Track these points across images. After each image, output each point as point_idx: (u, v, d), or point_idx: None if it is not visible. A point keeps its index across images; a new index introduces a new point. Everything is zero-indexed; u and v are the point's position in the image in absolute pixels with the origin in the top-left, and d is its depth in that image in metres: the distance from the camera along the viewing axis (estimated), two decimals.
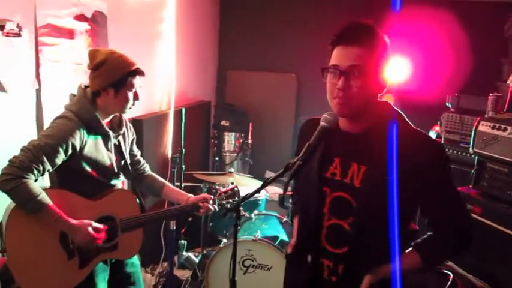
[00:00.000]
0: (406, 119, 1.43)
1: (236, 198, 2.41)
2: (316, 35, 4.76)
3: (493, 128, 2.64)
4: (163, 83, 3.94)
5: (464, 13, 4.26)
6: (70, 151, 1.86)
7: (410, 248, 1.46)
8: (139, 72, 2.01)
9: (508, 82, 2.84)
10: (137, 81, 2.01)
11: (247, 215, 3.25)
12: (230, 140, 4.81)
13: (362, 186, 1.38)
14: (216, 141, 4.87)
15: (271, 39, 5.04)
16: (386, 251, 1.38)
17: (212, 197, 2.32)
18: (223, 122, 4.83)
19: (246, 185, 3.23)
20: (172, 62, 4.05)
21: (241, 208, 2.06)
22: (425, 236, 1.48)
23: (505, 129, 2.58)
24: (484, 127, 2.70)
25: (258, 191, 1.49)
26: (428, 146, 1.37)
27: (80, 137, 1.88)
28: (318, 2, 4.81)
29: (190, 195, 2.33)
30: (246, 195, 1.53)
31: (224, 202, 2.37)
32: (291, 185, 1.67)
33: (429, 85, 4.17)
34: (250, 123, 4.82)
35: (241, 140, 4.82)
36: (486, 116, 2.81)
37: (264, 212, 3.41)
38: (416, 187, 1.35)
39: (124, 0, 3.19)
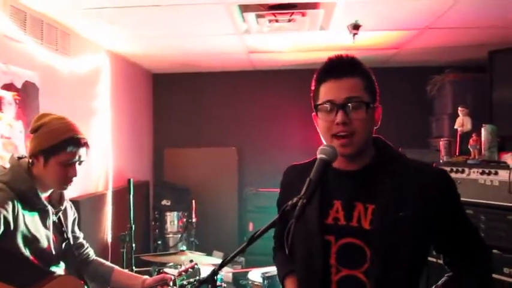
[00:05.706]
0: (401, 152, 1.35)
1: (197, 277, 2.27)
2: (253, 107, 4.85)
3: (451, 171, 2.63)
4: (99, 162, 3.63)
5: (393, 77, 4.57)
6: (2, 227, 1.51)
7: None
8: (75, 141, 1.68)
9: (455, 127, 2.93)
10: (73, 152, 1.68)
11: None
12: (173, 220, 4.48)
13: (374, 227, 1.23)
14: (157, 223, 4.50)
15: (207, 115, 5.02)
16: None
17: (172, 277, 2.03)
18: (164, 202, 4.53)
19: (202, 263, 2.91)
20: (108, 140, 3.79)
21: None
22: (446, 277, 1.33)
23: (463, 171, 2.61)
24: None
25: (243, 250, 1.23)
26: (437, 176, 1.28)
27: (12, 210, 1.55)
28: (251, 77, 4.93)
29: (146, 276, 2.01)
30: (224, 259, 1.28)
31: (185, 282, 2.13)
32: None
33: None
34: (193, 201, 4.53)
35: (185, 219, 4.50)
36: (441, 161, 2.83)
37: None
38: (431, 220, 1.23)
39: (56, 72, 2.98)
